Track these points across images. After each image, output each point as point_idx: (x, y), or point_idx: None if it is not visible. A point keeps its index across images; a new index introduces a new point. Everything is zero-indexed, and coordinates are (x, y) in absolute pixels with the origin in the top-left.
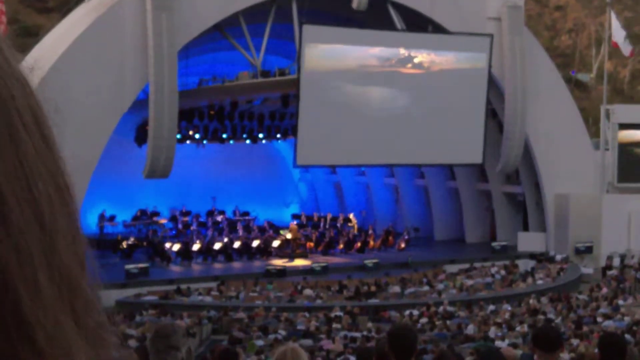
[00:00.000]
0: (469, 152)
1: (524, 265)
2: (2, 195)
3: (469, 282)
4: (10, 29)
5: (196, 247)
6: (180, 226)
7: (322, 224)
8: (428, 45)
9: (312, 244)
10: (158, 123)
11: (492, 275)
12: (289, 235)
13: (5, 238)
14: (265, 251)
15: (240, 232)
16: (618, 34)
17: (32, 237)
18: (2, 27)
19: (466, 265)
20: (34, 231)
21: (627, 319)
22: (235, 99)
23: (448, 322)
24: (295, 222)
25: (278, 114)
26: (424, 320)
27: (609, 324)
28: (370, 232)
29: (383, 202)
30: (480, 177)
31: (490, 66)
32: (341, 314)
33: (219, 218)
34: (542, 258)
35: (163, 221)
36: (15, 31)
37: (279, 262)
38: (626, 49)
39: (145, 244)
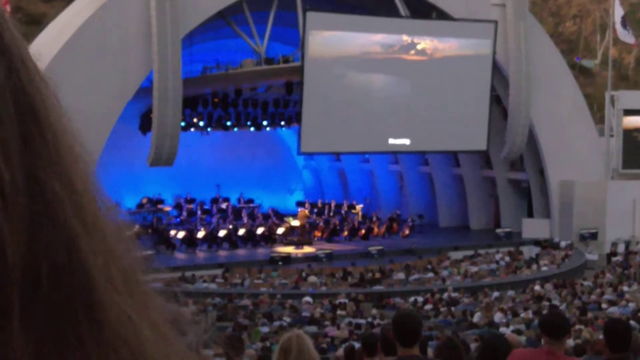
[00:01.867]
0: (473, 139)
1: (529, 251)
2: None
3: (474, 269)
4: (14, 17)
5: (201, 234)
6: (184, 214)
7: (326, 211)
8: (432, 32)
9: (319, 234)
10: (162, 111)
11: (497, 262)
12: (295, 222)
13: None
14: (270, 238)
15: (245, 220)
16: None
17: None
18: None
19: (470, 252)
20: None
21: (631, 305)
22: (239, 87)
23: (452, 308)
24: (303, 209)
25: (282, 102)
26: (428, 306)
27: (613, 311)
28: (374, 219)
29: (387, 189)
30: (484, 164)
31: (494, 53)
32: (346, 300)
33: (224, 205)
34: (546, 244)
35: (167, 209)
36: (19, 19)
37: (283, 250)
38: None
39: (149, 231)
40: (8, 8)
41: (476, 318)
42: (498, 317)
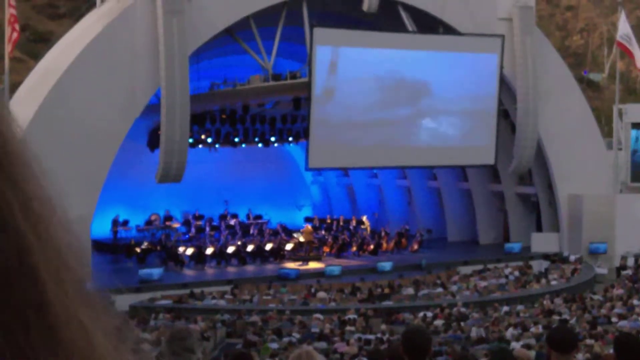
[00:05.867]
0: (481, 153)
1: (538, 266)
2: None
3: (483, 284)
4: (22, 35)
5: (209, 250)
6: (193, 230)
7: (334, 227)
8: (439, 47)
9: (327, 249)
10: (170, 127)
11: (506, 277)
12: (302, 238)
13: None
14: (279, 254)
15: (254, 236)
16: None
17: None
18: (15, 34)
19: (480, 267)
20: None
21: None
22: (247, 103)
23: (462, 323)
24: (309, 225)
25: (290, 117)
26: (438, 322)
27: (623, 324)
28: (383, 234)
29: (395, 204)
30: (492, 178)
31: (501, 67)
32: (355, 316)
33: (232, 222)
34: (555, 258)
35: (176, 225)
36: (27, 37)
37: (292, 265)
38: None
39: (158, 248)
40: (17, 27)
41: (474, 332)
42: (508, 331)
